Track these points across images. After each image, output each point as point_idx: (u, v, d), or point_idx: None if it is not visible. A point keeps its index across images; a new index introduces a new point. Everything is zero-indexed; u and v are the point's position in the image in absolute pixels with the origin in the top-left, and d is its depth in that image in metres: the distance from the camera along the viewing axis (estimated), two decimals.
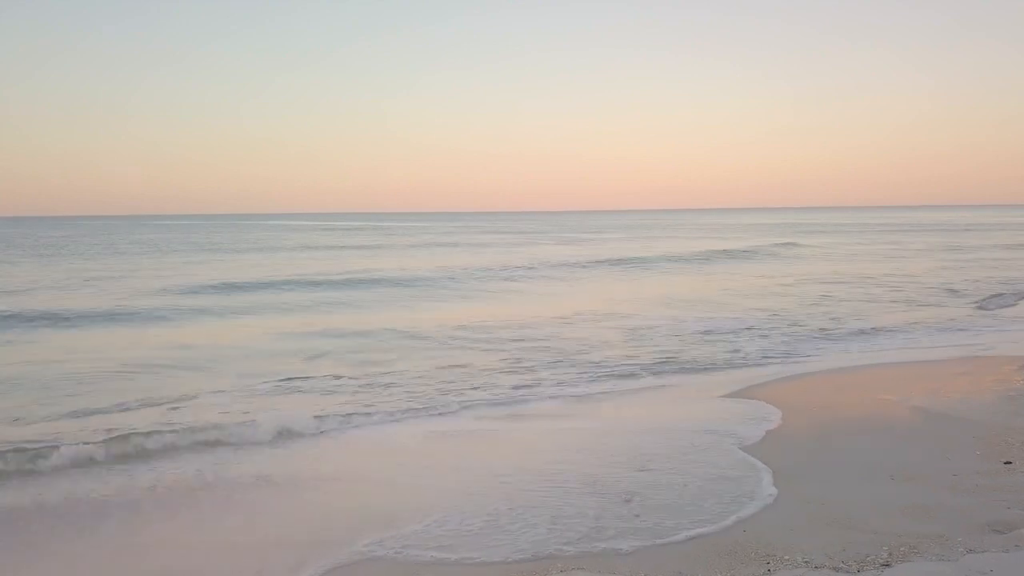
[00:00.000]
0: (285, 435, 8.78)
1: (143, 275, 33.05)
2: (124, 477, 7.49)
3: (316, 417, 9.40)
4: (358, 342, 15.54)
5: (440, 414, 9.93)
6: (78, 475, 7.53)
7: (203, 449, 8.31)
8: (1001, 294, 22.47)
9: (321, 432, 9.03)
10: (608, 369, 12.52)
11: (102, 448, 8.11)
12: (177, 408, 10.10)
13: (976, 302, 21.04)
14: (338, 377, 12.09)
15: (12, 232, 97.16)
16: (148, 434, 8.57)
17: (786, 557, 5.23)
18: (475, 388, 11.30)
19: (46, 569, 5.58)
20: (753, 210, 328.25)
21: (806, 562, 5.14)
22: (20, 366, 13.29)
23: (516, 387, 11.35)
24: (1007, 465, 7.00)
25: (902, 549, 5.27)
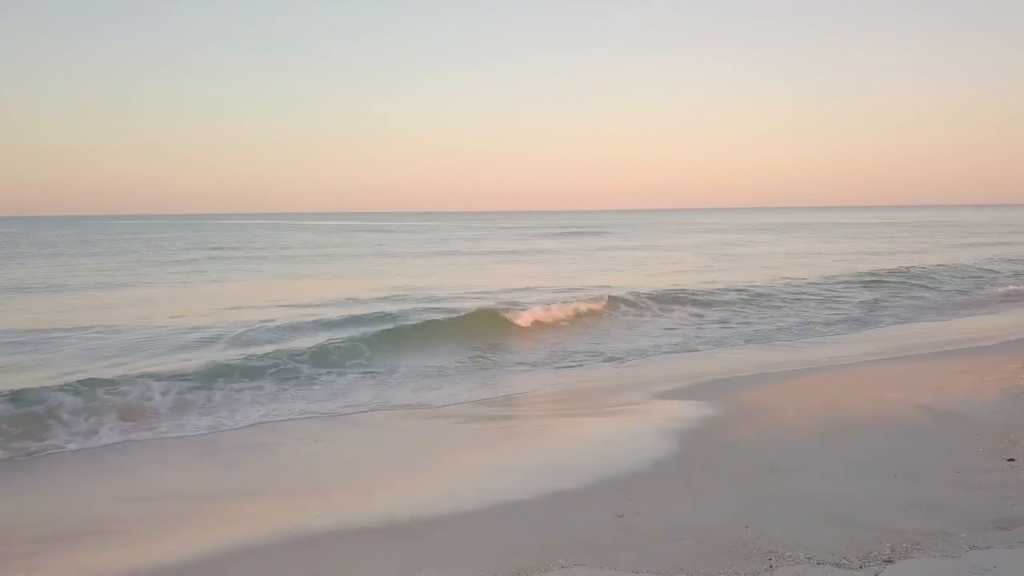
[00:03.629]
0: None
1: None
2: None
3: None
4: None
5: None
6: None
7: None
8: None
9: None
10: None
11: None
12: None
13: None
14: None
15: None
16: None
17: (788, 553, 5.20)
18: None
19: None
20: (756, 210, 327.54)
21: (808, 558, 5.11)
22: None
23: None
24: (1011, 463, 6.97)
25: (905, 545, 5.24)
